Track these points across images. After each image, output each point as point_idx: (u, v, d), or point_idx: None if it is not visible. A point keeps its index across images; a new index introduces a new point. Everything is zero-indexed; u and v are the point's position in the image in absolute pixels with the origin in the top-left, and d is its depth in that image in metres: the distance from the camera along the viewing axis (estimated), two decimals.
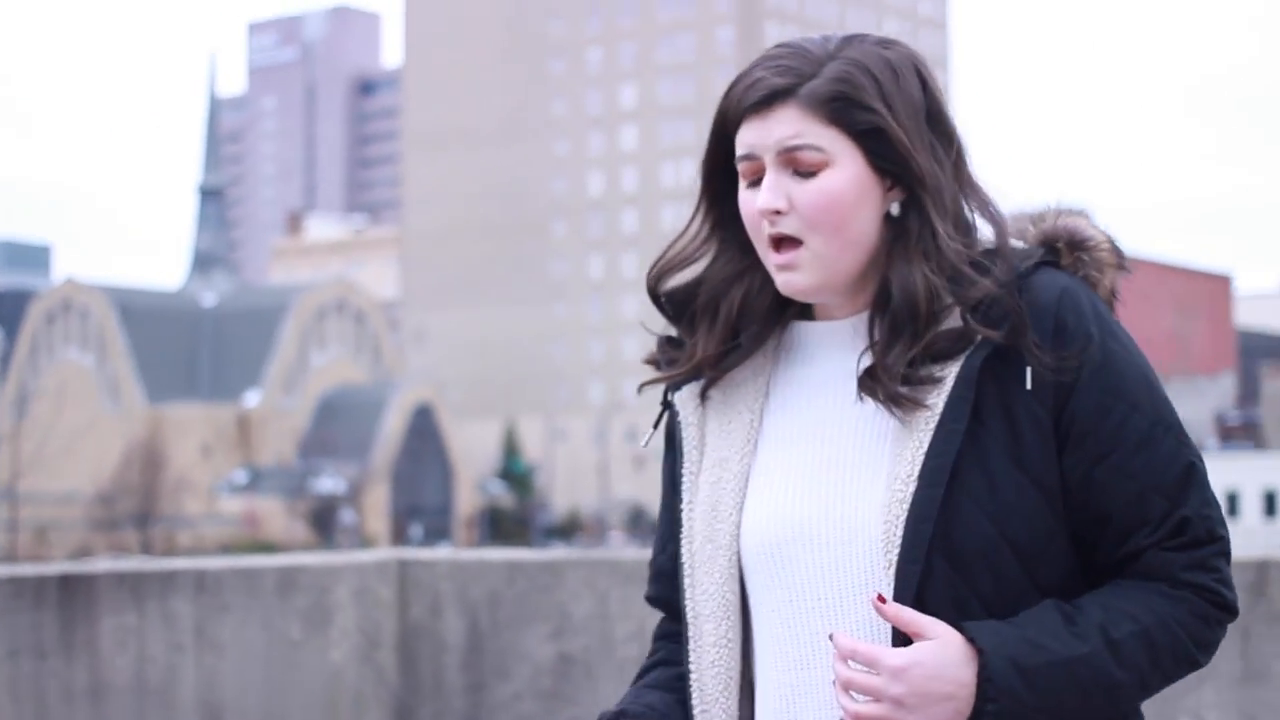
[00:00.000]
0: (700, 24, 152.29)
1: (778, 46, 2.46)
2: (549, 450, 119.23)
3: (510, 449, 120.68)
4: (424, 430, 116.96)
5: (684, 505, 2.55)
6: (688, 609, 2.52)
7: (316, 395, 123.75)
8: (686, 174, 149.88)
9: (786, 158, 2.39)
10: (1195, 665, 2.40)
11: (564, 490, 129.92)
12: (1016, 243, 2.46)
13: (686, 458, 2.58)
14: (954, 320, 2.38)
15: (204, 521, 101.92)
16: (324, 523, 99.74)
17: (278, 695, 5.81)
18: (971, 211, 2.45)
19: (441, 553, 6.21)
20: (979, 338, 2.36)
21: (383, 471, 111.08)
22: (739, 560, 2.49)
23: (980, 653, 2.27)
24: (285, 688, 5.83)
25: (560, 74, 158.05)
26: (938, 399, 2.36)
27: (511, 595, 5.92)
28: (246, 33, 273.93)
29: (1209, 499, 2.41)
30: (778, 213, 2.40)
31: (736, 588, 2.49)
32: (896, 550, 2.34)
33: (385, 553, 6.27)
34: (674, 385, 2.62)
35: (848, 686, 2.27)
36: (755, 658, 2.50)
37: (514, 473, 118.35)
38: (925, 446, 2.34)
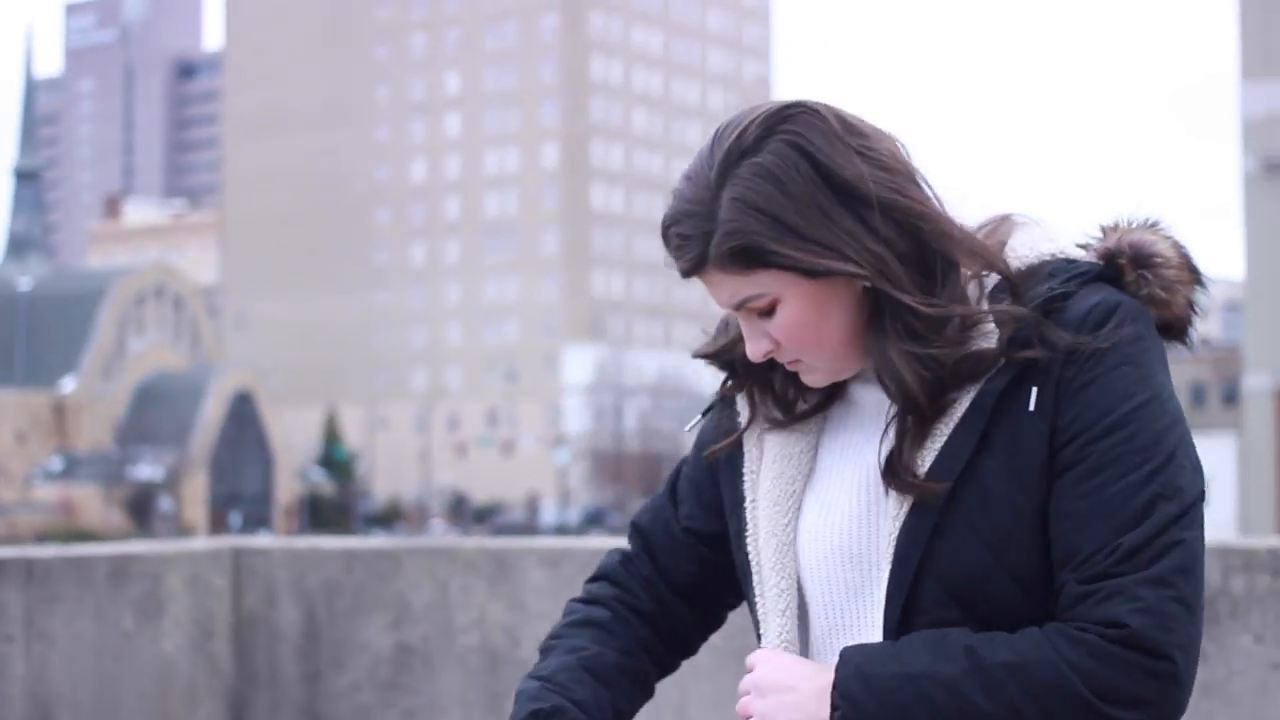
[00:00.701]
0: (525, 10, 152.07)
1: (678, 183, 2.38)
2: (370, 438, 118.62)
3: (331, 436, 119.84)
4: (244, 417, 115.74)
5: (747, 502, 2.51)
6: (758, 605, 2.49)
7: (134, 381, 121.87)
8: (510, 161, 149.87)
9: (744, 310, 2.36)
10: (1104, 716, 2.19)
11: (385, 478, 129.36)
12: (1076, 253, 2.39)
13: (747, 452, 2.54)
14: (985, 340, 2.30)
15: (19, 509, 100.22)
16: (141, 510, 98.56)
17: (110, 686, 5.68)
18: (941, 252, 2.32)
19: (277, 541, 6.11)
20: (1002, 361, 2.28)
21: (201, 459, 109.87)
22: (797, 560, 2.46)
23: (840, 661, 2.28)
24: (117, 678, 5.70)
25: (384, 59, 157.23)
26: (947, 424, 2.31)
27: (349, 584, 5.84)
28: (64, 13, 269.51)
29: (1160, 537, 2.22)
30: (767, 354, 2.38)
31: (795, 586, 2.45)
32: (887, 572, 2.32)
33: (219, 541, 6.16)
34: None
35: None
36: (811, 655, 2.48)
37: (335, 460, 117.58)
38: (926, 469, 2.30)
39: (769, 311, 2.34)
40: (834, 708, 2.25)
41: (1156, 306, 2.35)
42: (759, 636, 2.51)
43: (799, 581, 2.45)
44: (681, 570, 2.65)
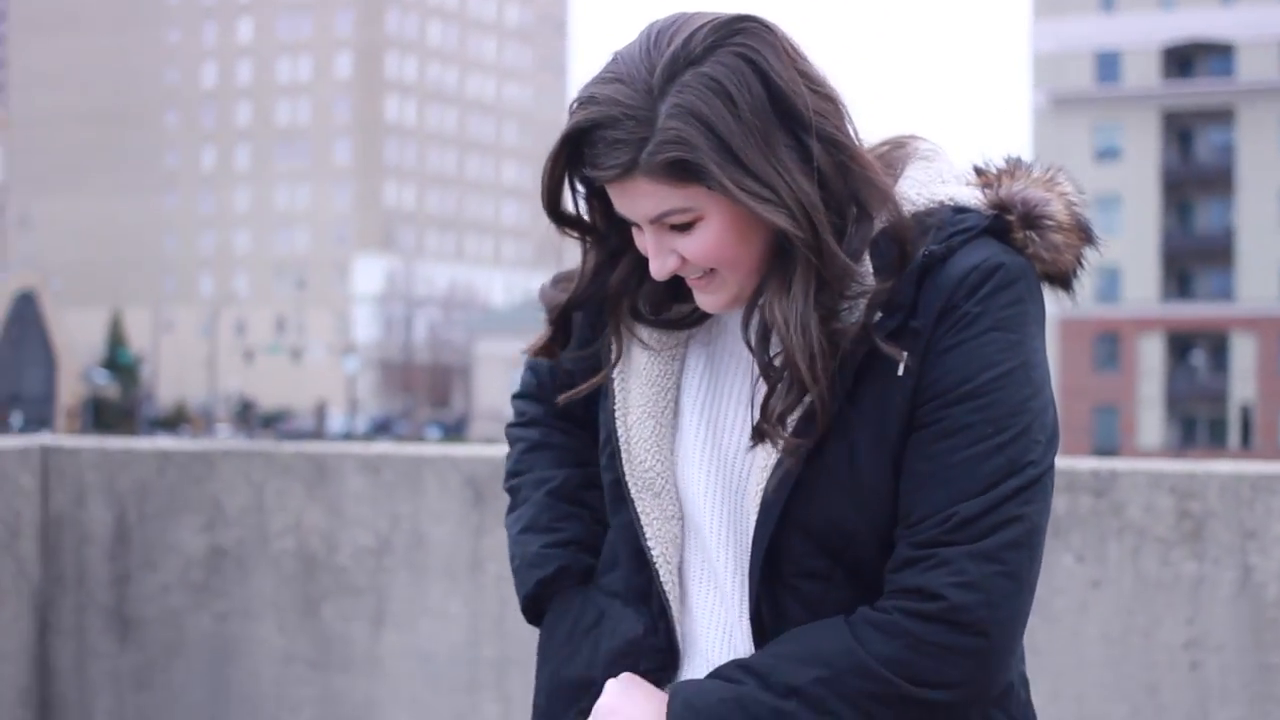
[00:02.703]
0: None
1: (593, 103, 2.22)
2: (156, 342, 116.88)
3: (116, 339, 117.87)
4: (26, 318, 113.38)
5: (616, 411, 2.43)
6: (643, 524, 2.41)
7: None
8: (303, 70, 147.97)
9: (659, 224, 2.25)
10: (916, 699, 2.19)
11: (171, 382, 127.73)
12: (968, 199, 2.32)
13: (618, 391, 2.45)
14: (856, 314, 2.23)
15: None
16: None
17: None
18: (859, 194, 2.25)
19: (88, 440, 6.01)
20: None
21: None
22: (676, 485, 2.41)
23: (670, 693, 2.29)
24: None
25: None
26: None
27: (162, 485, 5.77)
28: None
29: (1000, 507, 2.19)
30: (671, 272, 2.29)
31: (678, 510, 2.41)
32: (753, 521, 2.29)
33: (28, 439, 6.04)
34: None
35: None
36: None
37: (119, 363, 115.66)
38: (793, 423, 2.25)
39: (685, 227, 2.25)
40: None
41: (1041, 263, 2.31)
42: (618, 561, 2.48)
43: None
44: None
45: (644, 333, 2.44)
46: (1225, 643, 4.51)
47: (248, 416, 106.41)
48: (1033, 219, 2.31)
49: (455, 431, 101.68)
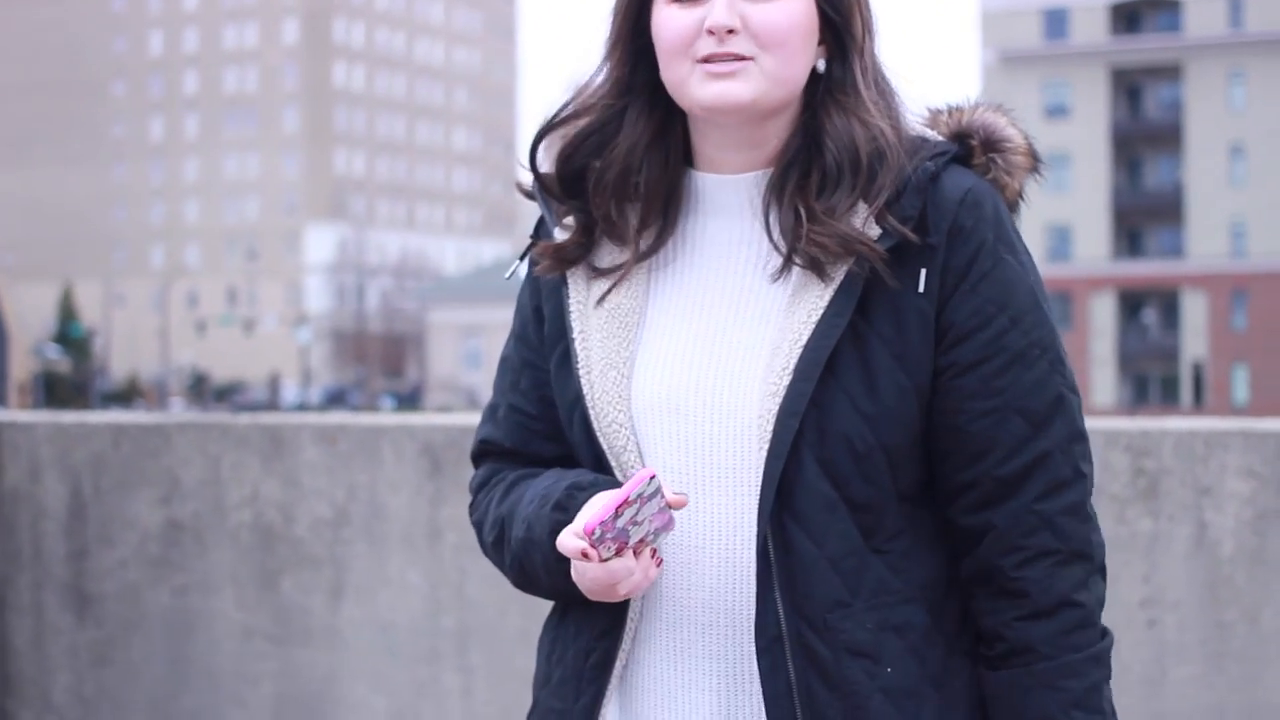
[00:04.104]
0: None
1: None
2: (107, 315, 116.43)
3: (66, 313, 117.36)
4: None
5: (575, 333, 2.39)
6: (607, 461, 2.37)
7: None
8: (250, 36, 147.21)
9: None
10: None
11: (123, 356, 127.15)
12: (930, 134, 2.39)
13: (573, 285, 2.43)
14: (857, 214, 2.29)
15: None
16: None
17: None
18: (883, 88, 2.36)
19: (41, 415, 5.99)
20: (879, 234, 2.27)
21: None
22: (633, 421, 2.37)
23: None
24: None
25: None
26: (824, 291, 2.28)
27: (117, 459, 5.75)
28: None
29: (1077, 433, 2.32)
30: (731, 32, 2.28)
31: (636, 445, 2.36)
32: (767, 443, 2.26)
33: None
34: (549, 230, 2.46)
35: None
36: None
37: (71, 337, 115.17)
38: (804, 340, 2.25)
39: None
40: None
41: (999, 189, 2.38)
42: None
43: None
44: (557, 438, 2.50)
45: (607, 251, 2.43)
46: (1181, 600, 4.54)
47: (201, 389, 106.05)
48: (993, 142, 2.38)
49: (410, 401, 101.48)
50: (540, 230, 2.49)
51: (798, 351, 2.26)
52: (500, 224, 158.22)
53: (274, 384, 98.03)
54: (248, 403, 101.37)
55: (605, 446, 2.36)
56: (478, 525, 2.53)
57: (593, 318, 2.40)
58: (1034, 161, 2.42)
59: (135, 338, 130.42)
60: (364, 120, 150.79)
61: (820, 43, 2.34)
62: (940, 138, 2.38)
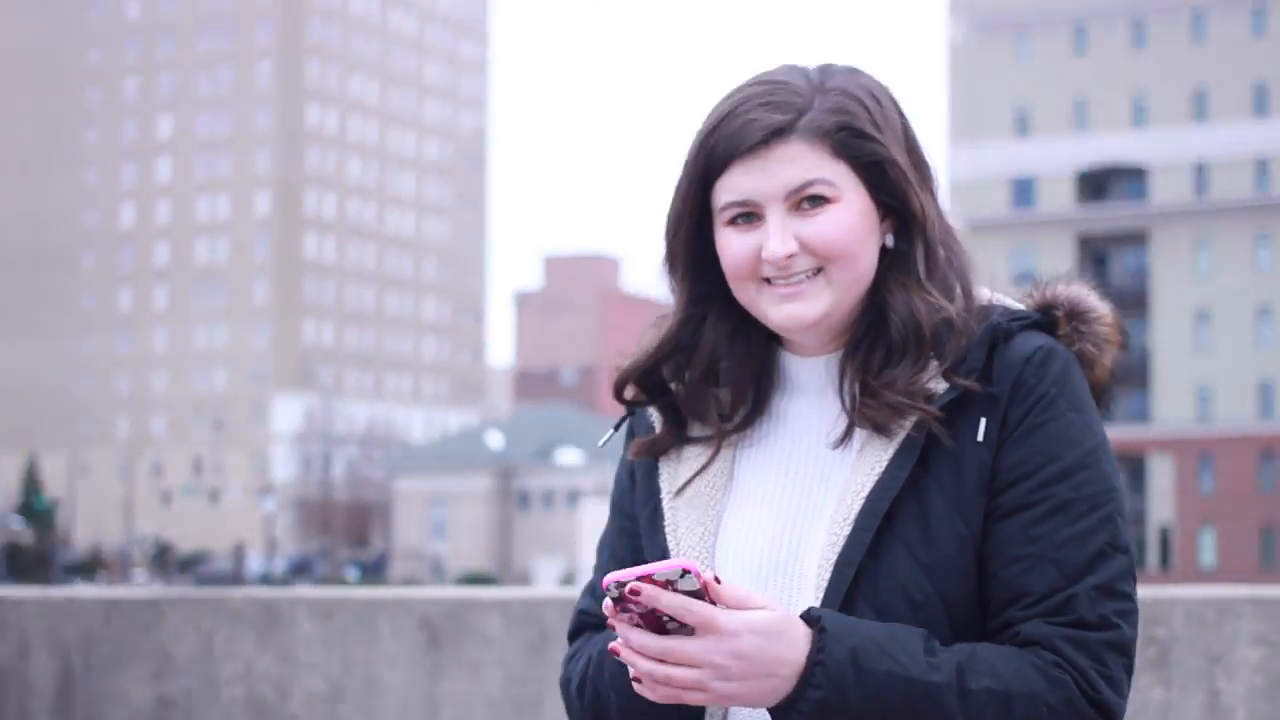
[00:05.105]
0: (240, 57, 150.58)
1: (752, 85, 2.33)
2: (72, 485, 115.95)
3: (31, 485, 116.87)
4: None
5: (664, 494, 2.42)
6: None
7: None
8: (222, 208, 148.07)
9: (794, 200, 2.29)
10: None
11: (87, 526, 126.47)
12: (1011, 302, 2.40)
13: (664, 479, 2.45)
14: (928, 370, 2.31)
15: None
16: None
17: None
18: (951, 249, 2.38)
19: (31, 590, 5.92)
20: (944, 388, 2.29)
21: None
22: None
23: (821, 632, 2.16)
24: None
25: (95, 103, 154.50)
26: (888, 446, 2.29)
27: (108, 635, 5.68)
28: None
29: (1117, 590, 2.25)
30: (790, 256, 2.29)
31: None
32: (823, 591, 2.25)
33: None
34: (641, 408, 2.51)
35: (665, 655, 2.13)
36: None
37: (35, 509, 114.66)
38: (866, 492, 2.26)
39: (817, 204, 2.28)
40: (813, 685, 2.16)
41: (1083, 364, 2.38)
42: None
43: None
44: None
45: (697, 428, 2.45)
46: None
47: (165, 560, 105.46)
48: (1079, 313, 2.39)
49: (375, 571, 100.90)
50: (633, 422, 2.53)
51: (859, 503, 2.27)
52: (468, 392, 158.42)
53: (239, 554, 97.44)
54: (211, 574, 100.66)
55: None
56: (565, 684, 2.50)
57: (682, 482, 2.44)
58: (1122, 336, 2.42)
59: (99, 508, 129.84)
60: (334, 290, 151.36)
61: (883, 218, 2.35)
62: (1022, 306, 2.40)
